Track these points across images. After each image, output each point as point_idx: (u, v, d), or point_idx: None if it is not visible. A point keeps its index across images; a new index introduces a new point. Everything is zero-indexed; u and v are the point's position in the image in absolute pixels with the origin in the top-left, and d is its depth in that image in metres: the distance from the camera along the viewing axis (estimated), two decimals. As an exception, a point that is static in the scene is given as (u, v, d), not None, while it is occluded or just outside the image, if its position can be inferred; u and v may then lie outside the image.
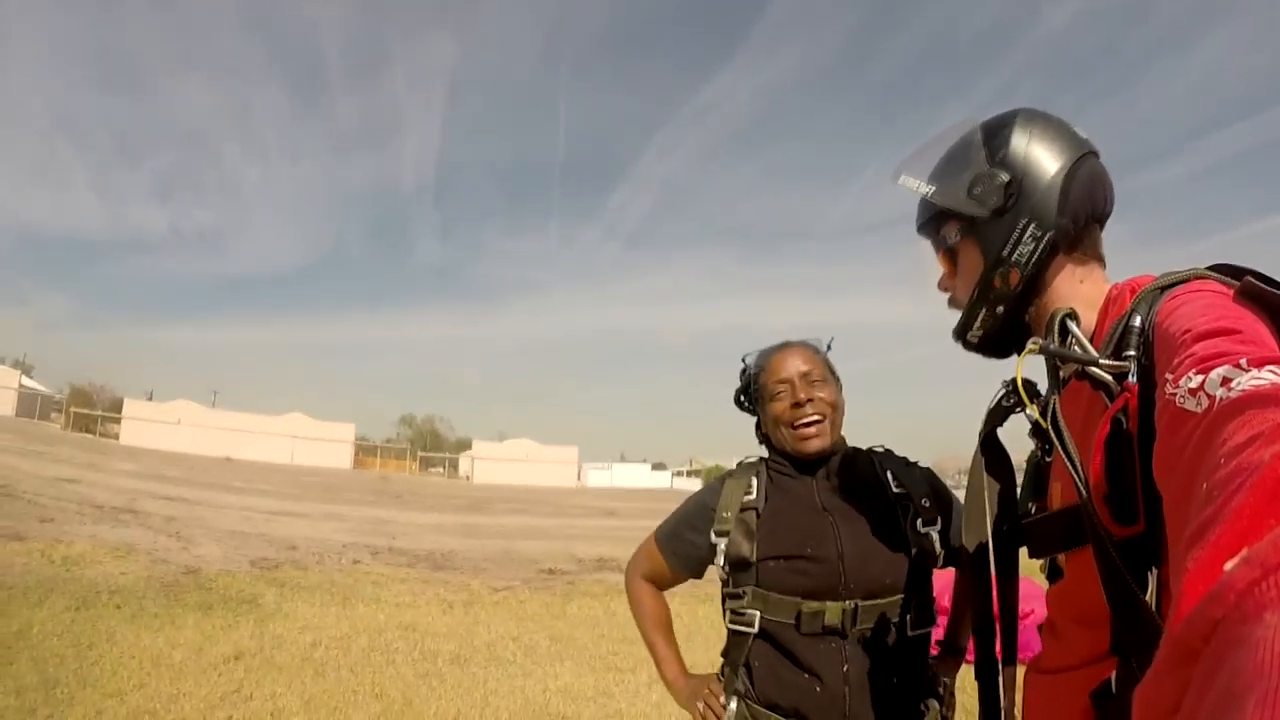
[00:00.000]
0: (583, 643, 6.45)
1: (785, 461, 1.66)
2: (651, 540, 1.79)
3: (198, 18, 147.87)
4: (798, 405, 1.60)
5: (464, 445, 69.04)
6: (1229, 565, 0.39)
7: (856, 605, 1.48)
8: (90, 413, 49.68)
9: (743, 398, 1.75)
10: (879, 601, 1.49)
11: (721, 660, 1.64)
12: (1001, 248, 1.10)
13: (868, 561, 1.51)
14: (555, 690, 5.12)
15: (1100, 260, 1.14)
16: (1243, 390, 0.56)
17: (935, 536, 1.54)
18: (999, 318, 1.14)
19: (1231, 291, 0.86)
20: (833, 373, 1.70)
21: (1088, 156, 1.11)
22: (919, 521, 1.55)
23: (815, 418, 1.60)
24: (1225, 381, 0.58)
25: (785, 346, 1.70)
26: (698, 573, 1.72)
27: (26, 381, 51.55)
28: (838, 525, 1.55)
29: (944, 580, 1.61)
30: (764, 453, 1.74)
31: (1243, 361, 0.59)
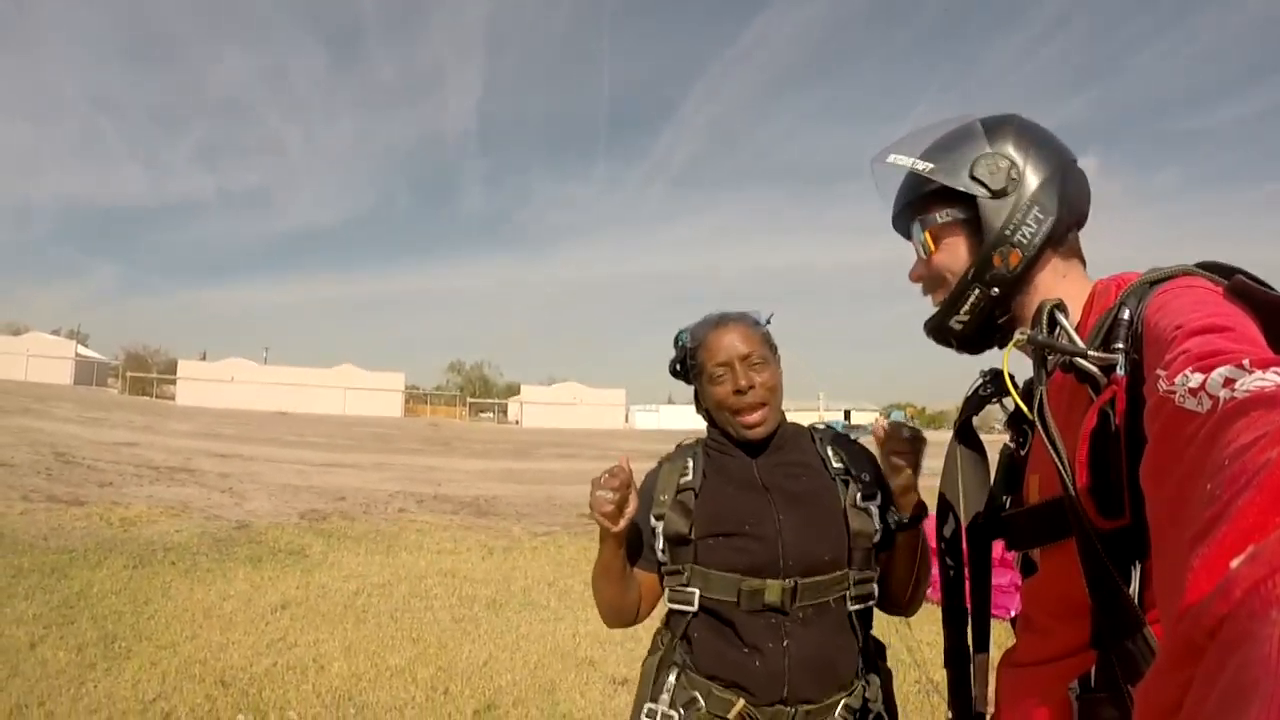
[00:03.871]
0: (615, 585, 6.60)
1: (725, 440, 1.65)
2: None
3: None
4: (739, 392, 1.58)
5: (513, 390, 69.79)
6: (1235, 562, 0.39)
7: (796, 583, 1.48)
8: (146, 376, 51.20)
9: (678, 368, 1.72)
10: (819, 578, 1.50)
11: (660, 627, 1.62)
12: (1004, 227, 1.09)
13: (806, 539, 1.51)
14: (584, 634, 5.28)
15: (1081, 259, 1.15)
16: (1248, 392, 0.55)
17: (875, 511, 1.54)
18: (991, 302, 1.13)
19: (1220, 289, 0.86)
20: (772, 349, 1.66)
21: (1075, 162, 1.14)
22: (859, 496, 1.55)
23: (758, 406, 1.58)
24: (1228, 382, 0.58)
25: (722, 323, 1.64)
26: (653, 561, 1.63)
27: (82, 350, 53.26)
28: (776, 503, 1.54)
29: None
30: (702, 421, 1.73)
31: (1245, 362, 0.58)
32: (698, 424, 1.74)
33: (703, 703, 1.49)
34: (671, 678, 1.53)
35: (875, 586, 1.56)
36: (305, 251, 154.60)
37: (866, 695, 1.52)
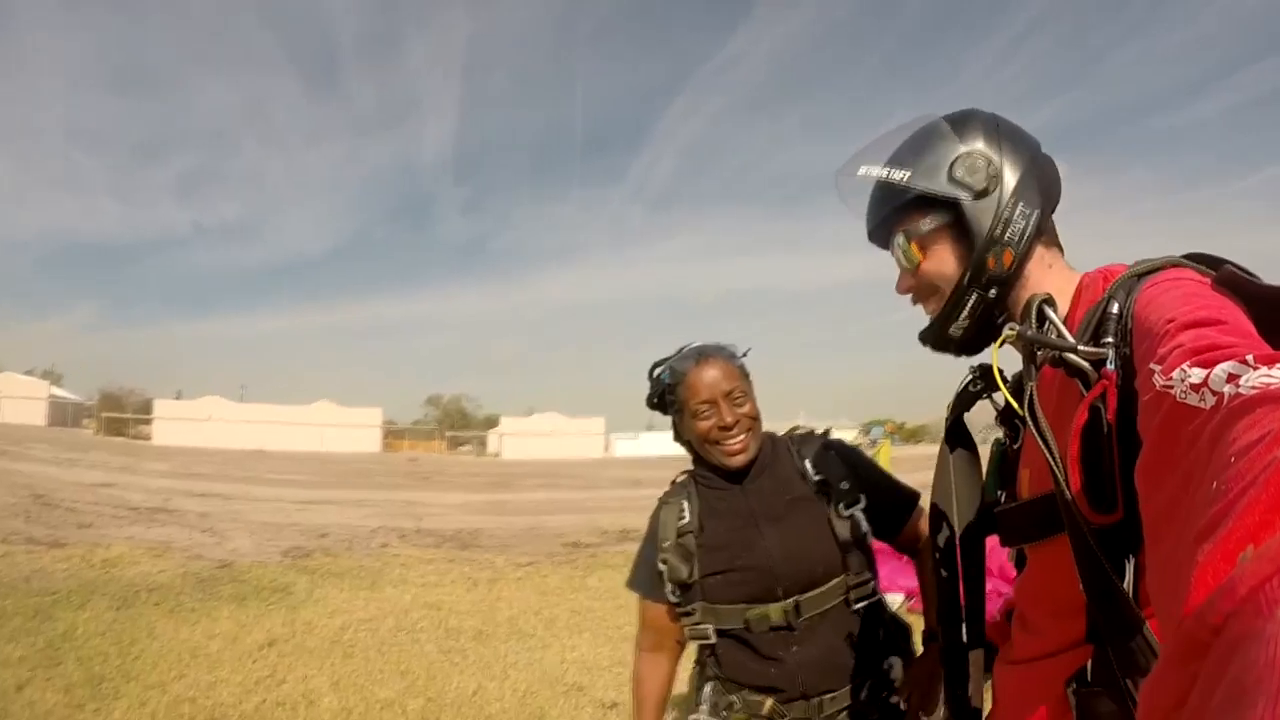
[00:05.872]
0: (601, 614, 6.65)
1: (712, 473, 1.75)
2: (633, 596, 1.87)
3: (207, 12, 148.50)
4: (724, 429, 1.66)
5: (492, 422, 69.31)
6: (1240, 560, 0.39)
7: (797, 601, 1.61)
8: (121, 416, 50.49)
9: (656, 401, 1.78)
10: (818, 590, 1.62)
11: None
12: (993, 227, 1.08)
13: (798, 559, 1.63)
14: (572, 661, 5.33)
15: (1060, 247, 1.15)
16: (1253, 388, 0.54)
17: (860, 515, 1.65)
18: (989, 304, 1.12)
19: (1208, 280, 0.86)
20: (748, 379, 1.74)
21: (1040, 148, 1.15)
22: (841, 505, 1.65)
23: (742, 438, 1.67)
24: (1232, 378, 0.56)
25: (703, 360, 1.70)
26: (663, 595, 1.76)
27: (56, 390, 52.39)
28: (765, 532, 1.66)
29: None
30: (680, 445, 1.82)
31: (1249, 358, 0.57)
32: (677, 450, 1.82)
33: (738, 704, 1.65)
34: (708, 688, 1.71)
35: (874, 583, 1.69)
36: (283, 284, 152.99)
37: (891, 676, 1.66)
